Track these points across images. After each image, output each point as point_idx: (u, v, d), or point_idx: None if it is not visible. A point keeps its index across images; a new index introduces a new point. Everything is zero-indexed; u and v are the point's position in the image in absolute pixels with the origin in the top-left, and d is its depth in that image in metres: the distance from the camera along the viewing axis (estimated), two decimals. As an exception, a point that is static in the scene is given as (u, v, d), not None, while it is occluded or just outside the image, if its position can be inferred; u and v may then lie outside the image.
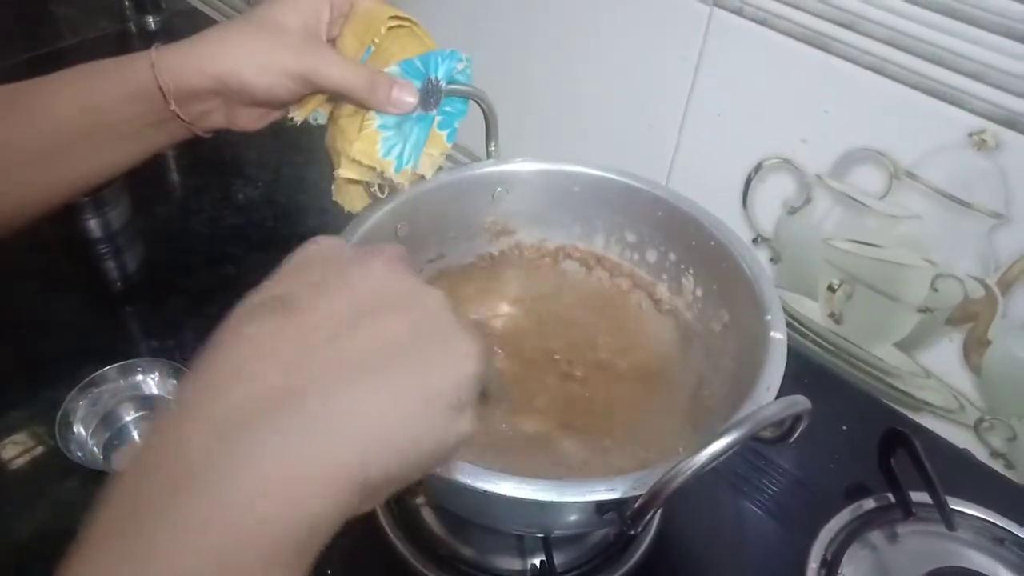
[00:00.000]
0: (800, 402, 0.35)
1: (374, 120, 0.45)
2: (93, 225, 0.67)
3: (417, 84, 0.46)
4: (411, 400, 0.27)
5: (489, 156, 0.55)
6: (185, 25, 1.07)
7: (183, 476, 0.24)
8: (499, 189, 0.55)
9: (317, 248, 0.31)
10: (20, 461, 0.57)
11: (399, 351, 0.27)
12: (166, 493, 0.24)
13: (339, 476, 0.25)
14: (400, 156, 0.46)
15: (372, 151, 0.45)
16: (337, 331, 0.27)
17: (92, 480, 0.55)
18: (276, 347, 0.26)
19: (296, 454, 0.25)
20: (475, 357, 0.29)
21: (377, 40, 0.46)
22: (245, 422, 0.25)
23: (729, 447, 0.33)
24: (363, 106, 0.46)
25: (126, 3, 1.06)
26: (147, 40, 1.03)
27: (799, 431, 0.36)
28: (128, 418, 0.60)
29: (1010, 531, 0.53)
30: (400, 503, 0.53)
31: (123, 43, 1.03)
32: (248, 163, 0.83)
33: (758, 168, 0.63)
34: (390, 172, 0.46)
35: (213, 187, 0.80)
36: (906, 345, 0.62)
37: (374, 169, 0.46)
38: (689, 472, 0.32)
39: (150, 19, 1.03)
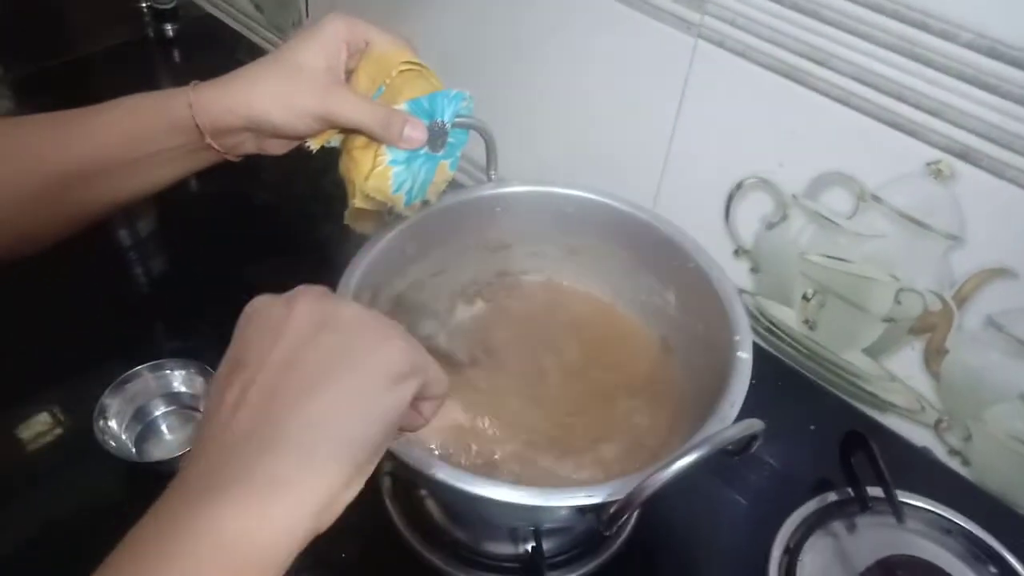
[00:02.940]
0: (755, 425, 0.40)
1: (386, 155, 0.50)
2: (124, 235, 0.72)
3: (425, 122, 0.51)
4: (352, 398, 0.33)
5: (489, 179, 0.60)
6: (201, 32, 1.11)
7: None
8: (498, 209, 0.60)
9: (254, 310, 0.37)
10: (60, 451, 0.62)
11: (333, 364, 0.33)
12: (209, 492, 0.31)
13: (316, 497, 0.31)
14: (410, 192, 0.51)
15: (384, 187, 0.50)
16: (281, 371, 0.33)
17: (124, 469, 0.60)
18: (244, 402, 0.33)
19: (280, 493, 0.31)
20: (393, 339, 0.35)
21: (388, 81, 0.51)
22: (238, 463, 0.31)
23: (694, 463, 0.38)
24: (377, 140, 0.50)
25: (144, 10, 1.10)
26: (165, 47, 1.08)
27: (755, 447, 0.41)
28: (157, 413, 0.64)
29: (958, 523, 0.58)
30: (407, 496, 0.59)
31: (141, 51, 1.07)
32: (264, 171, 0.88)
33: (739, 187, 0.68)
34: (400, 206, 0.51)
35: (232, 195, 0.85)
36: (873, 351, 0.67)
37: (385, 203, 0.51)
38: (659, 484, 0.37)
39: (168, 27, 1.06)
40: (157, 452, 0.63)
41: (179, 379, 0.65)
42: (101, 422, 0.60)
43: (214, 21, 1.14)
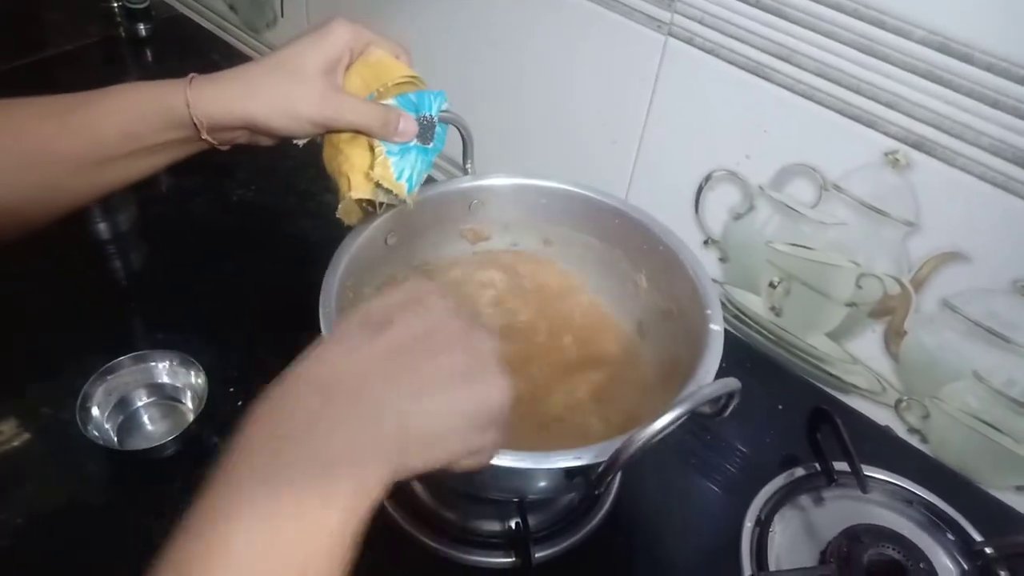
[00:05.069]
0: (732, 383, 0.42)
1: (383, 147, 0.52)
2: (103, 228, 0.73)
3: (413, 115, 0.53)
4: (456, 417, 0.37)
5: (466, 172, 0.62)
6: (174, 32, 1.12)
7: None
8: (475, 201, 0.62)
9: (421, 288, 0.41)
10: (43, 439, 0.62)
11: (456, 379, 0.37)
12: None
13: (379, 463, 0.34)
14: (409, 179, 0.53)
15: (388, 175, 0.52)
16: (417, 354, 0.37)
17: (106, 457, 0.61)
18: (369, 358, 0.36)
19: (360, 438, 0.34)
20: (505, 393, 0.38)
21: (382, 90, 0.53)
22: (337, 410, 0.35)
23: (675, 420, 0.40)
24: (375, 137, 0.52)
25: (116, 10, 1.10)
26: (138, 47, 1.08)
27: (732, 407, 0.43)
28: (140, 403, 0.65)
29: (918, 495, 0.61)
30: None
31: (114, 50, 1.07)
32: (240, 168, 0.89)
33: (708, 179, 0.70)
34: (403, 193, 0.53)
35: (209, 190, 0.86)
36: (836, 335, 0.70)
37: (389, 191, 0.52)
38: (642, 442, 0.39)
39: (140, 26, 1.06)
40: (139, 442, 0.63)
41: (161, 370, 0.66)
42: (84, 411, 0.61)
43: (187, 21, 1.15)
